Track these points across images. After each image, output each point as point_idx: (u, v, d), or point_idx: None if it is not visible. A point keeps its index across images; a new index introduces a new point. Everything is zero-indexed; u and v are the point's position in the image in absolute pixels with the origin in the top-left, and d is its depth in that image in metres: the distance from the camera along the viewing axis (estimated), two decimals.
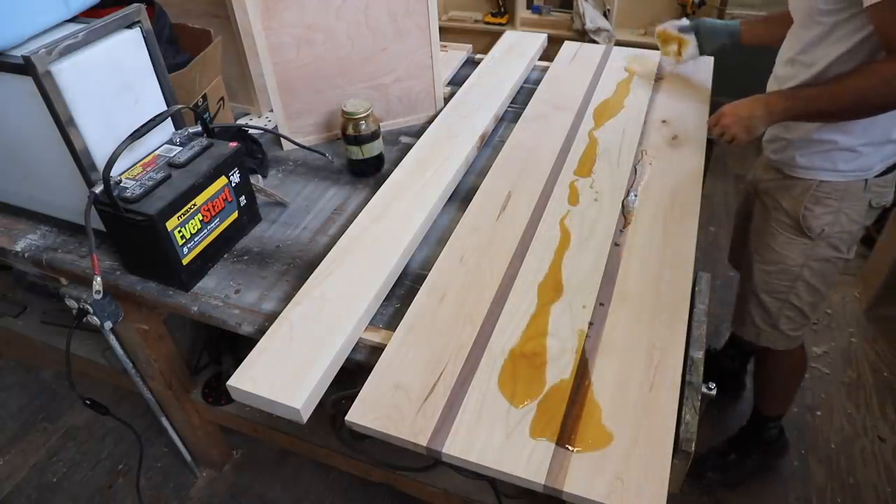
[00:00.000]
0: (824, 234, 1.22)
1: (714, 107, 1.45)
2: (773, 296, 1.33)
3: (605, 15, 2.93)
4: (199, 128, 1.09)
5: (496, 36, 2.46)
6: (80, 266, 1.10)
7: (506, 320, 0.92)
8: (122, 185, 0.96)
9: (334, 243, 1.06)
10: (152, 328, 1.28)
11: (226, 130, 1.28)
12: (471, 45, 1.85)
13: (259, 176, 1.30)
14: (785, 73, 1.20)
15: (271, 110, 1.43)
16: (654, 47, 1.62)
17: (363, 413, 0.80)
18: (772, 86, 1.26)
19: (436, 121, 1.40)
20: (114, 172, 0.93)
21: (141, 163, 1.02)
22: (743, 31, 1.42)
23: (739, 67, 2.92)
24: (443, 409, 0.79)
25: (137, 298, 1.06)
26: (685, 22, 1.52)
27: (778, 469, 1.66)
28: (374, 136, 1.28)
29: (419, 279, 1.01)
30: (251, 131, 1.34)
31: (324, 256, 1.04)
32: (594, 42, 2.80)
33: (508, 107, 1.53)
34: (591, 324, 0.91)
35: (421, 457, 0.80)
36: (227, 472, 1.72)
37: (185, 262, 1.01)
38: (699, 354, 0.87)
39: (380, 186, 1.20)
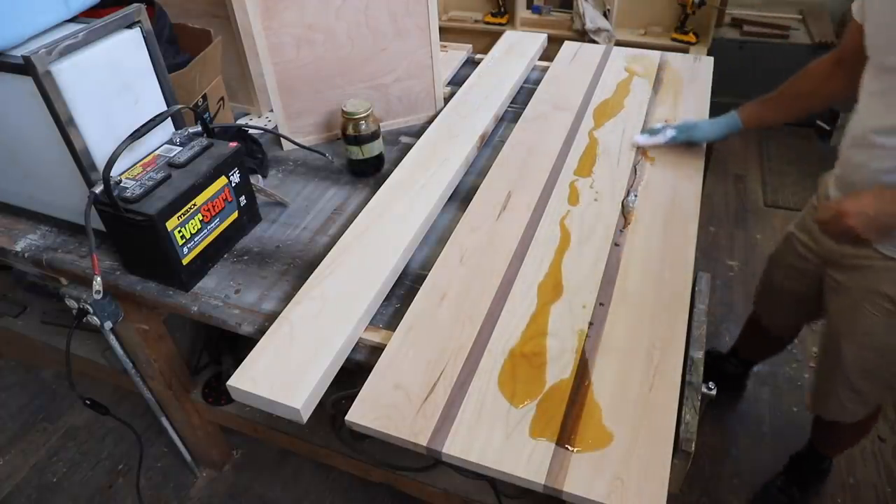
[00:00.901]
0: None
1: (714, 107, 1.44)
2: (869, 380, 1.22)
3: (605, 15, 2.93)
4: (199, 128, 1.09)
5: (496, 36, 2.46)
6: (80, 266, 1.10)
7: (506, 320, 0.92)
8: (122, 185, 0.96)
9: (334, 243, 1.06)
10: (152, 328, 1.28)
11: (226, 130, 1.28)
12: (471, 45, 1.85)
13: (259, 176, 1.30)
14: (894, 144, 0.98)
15: (271, 110, 1.43)
16: (654, 47, 1.61)
17: (363, 413, 0.80)
18: (856, 157, 1.06)
19: (436, 121, 1.40)
20: (114, 172, 0.93)
21: (141, 163, 1.02)
22: (744, 118, 1.24)
23: (740, 68, 2.92)
24: (443, 409, 0.80)
25: (137, 298, 1.06)
26: (665, 136, 1.28)
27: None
28: (374, 136, 1.28)
29: (419, 279, 1.02)
30: (251, 131, 1.34)
31: (324, 256, 1.04)
32: (594, 42, 2.80)
33: (508, 107, 1.53)
34: (591, 324, 0.91)
35: (421, 457, 0.80)
36: (227, 472, 1.72)
37: (185, 262, 1.01)
38: (699, 354, 0.87)
39: (380, 186, 1.20)
